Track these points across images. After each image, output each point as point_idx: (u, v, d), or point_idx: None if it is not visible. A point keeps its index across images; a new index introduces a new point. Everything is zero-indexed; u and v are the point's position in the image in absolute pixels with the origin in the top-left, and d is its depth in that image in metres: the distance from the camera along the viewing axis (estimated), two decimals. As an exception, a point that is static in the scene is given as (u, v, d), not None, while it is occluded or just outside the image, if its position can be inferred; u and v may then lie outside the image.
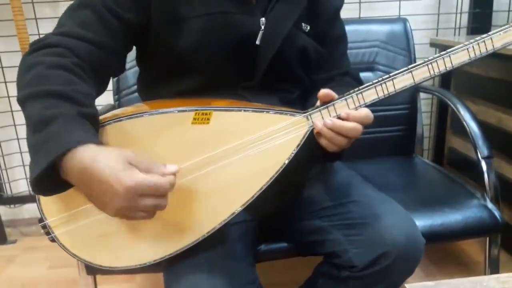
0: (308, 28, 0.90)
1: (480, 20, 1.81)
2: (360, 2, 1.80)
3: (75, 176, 0.61)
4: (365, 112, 0.74)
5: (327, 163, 1.00)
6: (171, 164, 0.65)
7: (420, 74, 0.73)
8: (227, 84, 0.84)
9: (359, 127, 0.73)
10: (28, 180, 0.64)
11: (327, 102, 0.75)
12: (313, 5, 0.90)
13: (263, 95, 0.86)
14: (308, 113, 0.76)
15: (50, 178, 0.63)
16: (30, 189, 0.70)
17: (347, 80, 0.98)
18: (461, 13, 1.87)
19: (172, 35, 0.81)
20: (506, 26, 0.70)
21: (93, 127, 0.67)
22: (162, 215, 0.68)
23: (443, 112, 1.88)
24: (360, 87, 0.74)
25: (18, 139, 1.87)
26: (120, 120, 0.71)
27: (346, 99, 0.74)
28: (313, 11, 0.91)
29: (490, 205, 1.16)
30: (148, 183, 0.60)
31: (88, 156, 0.60)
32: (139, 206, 0.61)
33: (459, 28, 1.89)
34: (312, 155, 0.95)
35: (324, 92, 0.74)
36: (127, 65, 1.39)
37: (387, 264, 0.81)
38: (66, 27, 0.76)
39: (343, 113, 0.74)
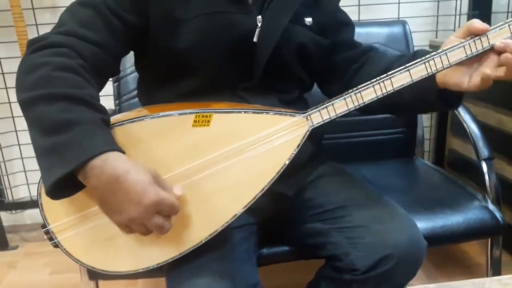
0: (311, 21, 0.90)
1: (479, 22, 1.81)
2: (359, 5, 1.81)
3: (102, 181, 0.62)
4: None
5: (323, 167, 1.00)
6: (177, 188, 0.68)
7: (417, 72, 0.73)
8: (226, 85, 0.85)
9: None
10: (43, 183, 0.64)
11: (479, 34, 0.71)
12: None
13: (262, 96, 0.86)
14: (307, 113, 0.76)
15: (68, 181, 0.63)
16: (41, 192, 0.70)
17: (380, 52, 0.97)
18: (460, 15, 1.87)
19: (170, 37, 0.81)
20: (502, 23, 0.70)
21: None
22: None
23: (443, 114, 1.89)
24: (358, 86, 0.74)
25: (19, 144, 1.87)
26: (122, 124, 0.71)
27: (344, 99, 0.74)
28: (313, 4, 0.91)
29: (491, 206, 1.16)
30: (168, 202, 0.64)
31: (122, 165, 0.63)
32: (149, 220, 0.64)
33: (459, 30, 1.89)
34: (313, 157, 0.96)
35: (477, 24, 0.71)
36: (128, 70, 1.42)
37: (389, 267, 0.81)
38: (68, 26, 0.75)
39: (498, 43, 0.70)
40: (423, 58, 0.73)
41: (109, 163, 0.62)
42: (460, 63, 0.73)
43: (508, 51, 0.69)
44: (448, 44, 0.73)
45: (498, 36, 0.71)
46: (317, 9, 0.92)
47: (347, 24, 1.01)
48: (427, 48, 1.81)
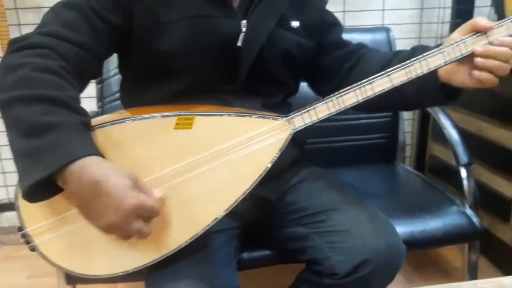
0: (298, 24, 0.91)
1: (461, 30, 1.85)
2: (344, 11, 1.83)
3: (81, 185, 0.62)
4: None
5: (305, 171, 1.01)
6: (157, 191, 0.68)
7: (397, 77, 0.74)
8: (209, 88, 0.85)
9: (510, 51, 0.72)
10: (20, 186, 0.63)
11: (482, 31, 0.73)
12: (299, 2, 0.91)
13: (246, 99, 0.86)
14: (290, 117, 0.76)
15: (46, 185, 0.63)
16: (18, 194, 0.69)
17: (372, 49, 0.98)
18: (442, 23, 1.91)
19: (153, 39, 0.81)
20: (480, 33, 0.73)
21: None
22: None
23: (424, 120, 1.91)
24: (340, 91, 0.75)
25: (-3, 146, 1.84)
26: (103, 126, 0.71)
27: (326, 103, 0.75)
28: (300, 7, 0.91)
29: (469, 211, 1.18)
30: (148, 206, 0.64)
31: (101, 170, 0.62)
32: (129, 225, 0.63)
33: (441, 37, 1.92)
34: (295, 161, 0.96)
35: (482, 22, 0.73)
36: (111, 72, 1.41)
37: (368, 271, 0.82)
38: (50, 27, 0.74)
39: (496, 41, 0.72)
40: (403, 64, 0.74)
41: (88, 168, 0.62)
42: (462, 61, 0.75)
43: (487, 55, 0.72)
44: (451, 41, 0.75)
45: (475, 43, 0.72)
46: (304, 12, 0.92)
47: (335, 25, 1.01)
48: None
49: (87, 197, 0.62)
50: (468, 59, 0.74)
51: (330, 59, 0.98)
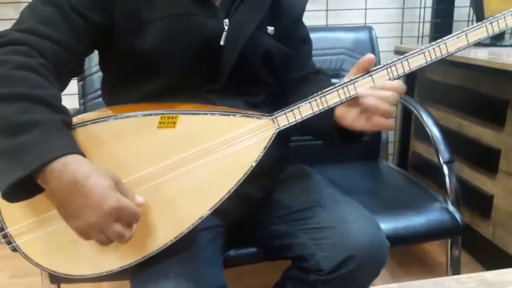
0: (273, 30, 0.91)
1: (442, 29, 1.88)
2: (327, 10, 1.84)
3: (61, 185, 0.60)
4: (399, 83, 0.75)
5: (290, 169, 1.02)
6: (139, 196, 0.67)
7: (380, 77, 0.75)
8: (192, 87, 0.84)
9: (395, 94, 0.73)
10: None
11: (367, 69, 0.74)
12: (276, 9, 0.91)
13: (229, 98, 0.86)
14: (274, 116, 0.77)
15: (26, 184, 0.61)
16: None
17: (322, 77, 1.00)
18: (423, 22, 1.93)
19: (135, 38, 0.80)
20: (459, 32, 0.73)
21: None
22: None
23: (407, 118, 1.94)
24: (323, 90, 0.75)
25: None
26: (85, 125, 0.70)
27: (310, 102, 0.76)
28: (276, 14, 0.92)
29: (451, 208, 1.19)
30: (128, 209, 0.62)
31: (81, 170, 0.61)
32: (108, 228, 0.62)
33: (422, 36, 1.95)
34: (279, 159, 0.97)
35: (368, 58, 0.74)
36: (93, 69, 1.40)
37: (353, 267, 0.82)
38: (28, 23, 0.72)
39: (378, 84, 0.74)
40: (385, 64, 0.75)
41: (69, 166, 0.60)
42: (351, 104, 0.77)
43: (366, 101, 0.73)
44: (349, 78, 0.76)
45: (455, 44, 0.74)
46: (279, 19, 0.93)
47: (305, 42, 1.02)
48: (393, 54, 1.86)
49: (66, 196, 0.61)
50: (357, 103, 0.76)
51: (290, 77, 0.99)
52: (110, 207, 0.60)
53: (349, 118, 0.78)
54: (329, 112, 0.78)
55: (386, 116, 0.74)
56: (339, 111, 0.79)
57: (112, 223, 0.62)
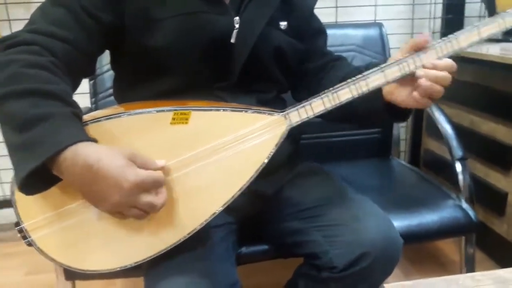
0: (286, 25, 0.91)
1: (453, 25, 1.86)
2: (336, 7, 1.83)
3: (76, 172, 0.61)
4: (451, 61, 0.74)
5: (301, 166, 1.01)
6: (159, 160, 0.68)
7: (391, 73, 0.74)
8: (203, 84, 0.84)
9: (449, 76, 0.73)
10: (15, 178, 0.63)
11: (420, 49, 0.74)
12: (288, 3, 0.91)
13: (240, 96, 0.86)
14: (286, 112, 0.76)
15: (41, 175, 0.62)
16: (14, 189, 0.68)
17: (345, 62, 0.99)
18: (434, 18, 1.92)
19: (146, 36, 0.80)
20: (471, 27, 0.72)
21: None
22: None
23: (418, 115, 1.92)
24: (335, 86, 0.75)
25: (-9, 144, 1.82)
26: (99, 121, 0.70)
27: (322, 98, 0.75)
28: (288, 9, 0.92)
29: (464, 205, 1.18)
30: (149, 179, 0.63)
31: (93, 154, 0.62)
32: (137, 201, 0.63)
33: (433, 33, 1.93)
34: (291, 156, 0.97)
35: (424, 38, 0.73)
36: (105, 68, 1.40)
37: (366, 265, 0.82)
38: (39, 24, 0.73)
39: (428, 64, 0.73)
40: (397, 60, 0.74)
41: (80, 153, 0.61)
42: (405, 82, 0.76)
43: (426, 75, 0.73)
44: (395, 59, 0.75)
45: (467, 39, 0.73)
46: (292, 14, 0.92)
47: (320, 32, 1.02)
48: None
49: (85, 182, 0.62)
50: (409, 81, 0.75)
51: (310, 67, 0.99)
52: (130, 183, 0.61)
53: (402, 95, 0.77)
54: (375, 92, 0.77)
55: (436, 96, 0.74)
56: (388, 88, 0.79)
57: (139, 196, 0.63)
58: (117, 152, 0.63)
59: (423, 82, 0.72)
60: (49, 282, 1.56)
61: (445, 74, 0.73)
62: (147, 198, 0.64)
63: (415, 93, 0.74)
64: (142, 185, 0.63)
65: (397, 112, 0.82)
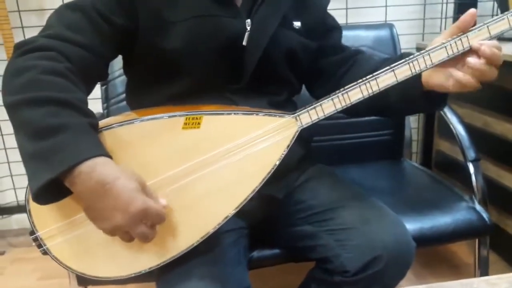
0: (299, 25, 0.91)
1: (465, 25, 1.84)
2: (347, 8, 1.82)
3: (88, 186, 0.62)
4: (496, 42, 0.72)
5: (312, 169, 1.01)
6: (162, 199, 0.68)
7: (402, 72, 0.74)
8: (215, 87, 0.85)
9: (501, 54, 0.72)
10: (30, 188, 0.64)
11: (465, 29, 0.72)
12: (301, 3, 0.91)
13: (252, 98, 0.86)
14: (296, 114, 0.77)
15: (55, 186, 0.63)
16: (29, 198, 0.69)
17: (366, 56, 0.98)
18: (446, 18, 1.90)
19: (159, 40, 0.81)
20: (481, 24, 0.72)
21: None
22: None
23: (430, 116, 1.91)
24: (345, 87, 0.75)
25: (5, 149, 1.85)
26: (111, 127, 0.71)
27: (332, 99, 0.75)
28: (302, 8, 0.92)
29: (478, 207, 1.17)
30: (154, 211, 0.64)
31: (110, 172, 0.62)
32: (134, 229, 0.63)
33: (444, 33, 1.91)
34: (301, 159, 0.96)
35: (468, 16, 0.72)
36: (116, 73, 1.41)
37: (379, 268, 0.82)
38: (55, 29, 0.74)
39: (476, 44, 0.71)
40: (407, 58, 0.74)
41: (97, 169, 0.62)
42: (444, 65, 0.74)
43: (480, 53, 0.70)
44: (434, 45, 0.74)
45: (477, 37, 0.72)
46: (306, 13, 0.92)
47: (335, 28, 1.02)
48: (414, 51, 1.83)
49: (94, 198, 0.62)
50: (451, 62, 0.74)
51: (327, 63, 0.98)
52: (137, 209, 0.61)
53: (441, 78, 0.76)
54: (413, 80, 0.76)
55: (488, 77, 0.72)
56: (426, 73, 0.77)
57: (138, 224, 0.63)
58: (132, 176, 0.64)
59: (475, 60, 0.70)
60: (61, 287, 1.58)
61: (499, 52, 0.71)
62: (143, 228, 0.64)
63: (463, 75, 0.72)
64: (146, 214, 0.63)
65: (434, 99, 0.81)
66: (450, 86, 0.75)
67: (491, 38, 0.72)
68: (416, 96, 0.81)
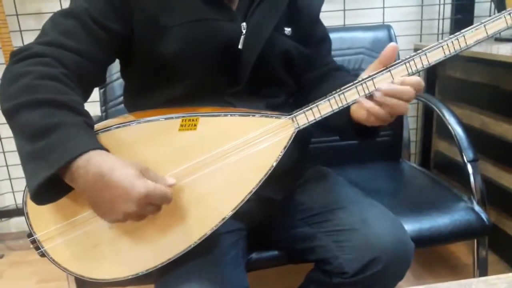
0: (290, 31, 0.91)
1: (462, 25, 1.83)
2: (344, 10, 1.83)
3: (89, 180, 0.62)
4: (418, 79, 0.74)
5: (311, 171, 1.01)
6: (170, 177, 0.68)
7: (398, 72, 0.74)
8: (213, 91, 0.85)
9: (413, 90, 0.73)
10: (28, 187, 0.64)
11: (388, 64, 0.74)
12: (293, 9, 0.91)
13: (249, 101, 0.86)
14: (293, 115, 0.77)
15: (54, 184, 0.63)
16: (27, 200, 0.70)
17: (343, 73, 0.99)
18: (443, 19, 1.90)
19: (155, 44, 0.81)
20: (478, 24, 0.72)
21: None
22: (153, 223, 0.69)
23: (428, 117, 1.91)
24: (342, 88, 0.75)
25: (4, 152, 1.85)
26: (109, 130, 0.71)
27: (329, 100, 0.75)
28: (293, 15, 0.92)
29: (477, 207, 1.17)
30: (158, 192, 0.64)
31: (106, 163, 0.62)
32: (145, 212, 0.64)
33: (442, 33, 1.92)
34: (299, 161, 0.96)
35: (388, 51, 0.74)
36: (114, 76, 1.41)
37: (378, 270, 0.82)
38: (50, 36, 0.75)
39: (396, 80, 0.73)
40: (403, 59, 0.74)
41: (93, 161, 0.62)
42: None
43: (389, 93, 0.72)
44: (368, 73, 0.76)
45: (474, 36, 0.72)
46: (297, 19, 0.92)
47: (324, 40, 1.02)
48: (412, 52, 1.83)
49: (96, 191, 0.63)
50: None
51: (311, 76, 0.98)
52: (140, 194, 0.62)
53: (362, 112, 0.77)
54: (345, 109, 0.78)
55: (398, 112, 0.73)
56: (352, 107, 0.79)
57: (145, 208, 0.64)
58: (129, 163, 0.64)
59: (378, 95, 0.73)
60: (60, 290, 1.58)
61: (405, 88, 0.72)
62: (152, 209, 0.65)
63: (373, 107, 0.74)
64: (150, 197, 0.63)
65: (363, 130, 0.82)
66: (371, 119, 0.76)
67: (488, 37, 0.72)
68: (345, 124, 0.83)
